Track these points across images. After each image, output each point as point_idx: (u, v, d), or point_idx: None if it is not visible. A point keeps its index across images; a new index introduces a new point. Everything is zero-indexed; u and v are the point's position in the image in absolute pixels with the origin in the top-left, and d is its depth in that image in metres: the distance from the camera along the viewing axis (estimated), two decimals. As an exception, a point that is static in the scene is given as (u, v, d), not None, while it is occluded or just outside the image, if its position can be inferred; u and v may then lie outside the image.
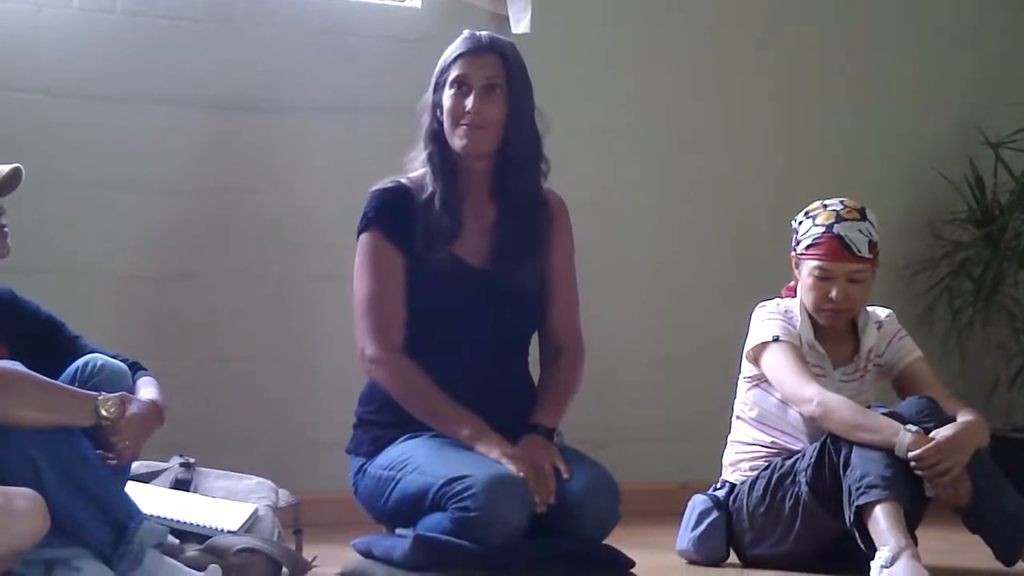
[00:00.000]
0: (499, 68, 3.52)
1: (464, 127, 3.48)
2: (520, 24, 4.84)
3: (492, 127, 3.50)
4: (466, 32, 3.59)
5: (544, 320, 3.63)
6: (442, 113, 3.53)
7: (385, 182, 3.58)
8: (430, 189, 3.52)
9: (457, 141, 3.50)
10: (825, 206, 3.85)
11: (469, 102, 3.48)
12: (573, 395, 3.60)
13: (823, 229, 3.80)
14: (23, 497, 2.82)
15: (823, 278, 3.80)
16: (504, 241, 3.55)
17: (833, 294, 3.79)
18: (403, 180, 3.57)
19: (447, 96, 3.51)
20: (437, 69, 3.56)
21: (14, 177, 3.24)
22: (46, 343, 3.29)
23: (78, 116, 4.46)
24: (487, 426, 3.40)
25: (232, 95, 4.68)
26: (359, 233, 3.56)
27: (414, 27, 4.88)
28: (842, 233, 3.78)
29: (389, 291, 3.50)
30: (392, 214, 3.52)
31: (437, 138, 3.54)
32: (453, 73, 3.51)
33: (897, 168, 5.76)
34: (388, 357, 3.48)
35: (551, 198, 3.65)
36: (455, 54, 3.53)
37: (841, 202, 3.84)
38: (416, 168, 3.59)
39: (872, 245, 3.80)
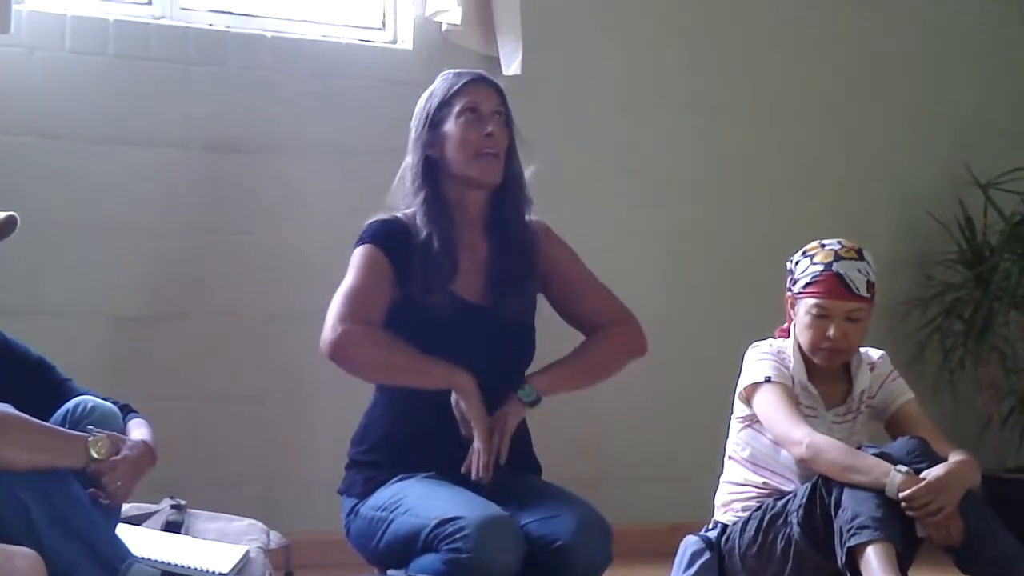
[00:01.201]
0: (498, 99, 3.55)
1: (487, 154, 3.49)
2: (511, 66, 4.86)
3: (504, 154, 3.52)
4: (450, 71, 3.60)
5: (580, 319, 3.68)
6: (441, 148, 3.52)
7: (382, 215, 3.57)
8: (425, 232, 3.50)
9: (476, 169, 3.49)
10: (823, 245, 3.84)
11: (489, 128, 3.48)
12: (590, 363, 3.68)
13: (822, 267, 3.79)
14: (23, 557, 2.81)
15: (821, 316, 3.79)
16: (500, 275, 3.55)
17: (831, 332, 3.77)
18: (400, 215, 3.57)
19: (457, 126, 3.50)
20: (431, 104, 3.54)
21: (7, 225, 3.24)
22: (36, 386, 3.28)
23: (69, 158, 4.47)
24: (472, 381, 3.41)
25: (223, 137, 4.68)
26: (353, 251, 3.54)
27: (405, 69, 4.88)
28: (841, 271, 3.77)
29: (371, 287, 3.46)
30: (390, 239, 3.50)
31: (432, 176, 3.53)
32: (459, 104, 3.50)
33: (888, 209, 5.77)
34: (360, 328, 3.40)
35: (534, 226, 3.66)
36: (458, 84, 3.52)
37: (839, 242, 3.84)
38: (404, 208, 3.57)
39: (870, 285, 3.80)
